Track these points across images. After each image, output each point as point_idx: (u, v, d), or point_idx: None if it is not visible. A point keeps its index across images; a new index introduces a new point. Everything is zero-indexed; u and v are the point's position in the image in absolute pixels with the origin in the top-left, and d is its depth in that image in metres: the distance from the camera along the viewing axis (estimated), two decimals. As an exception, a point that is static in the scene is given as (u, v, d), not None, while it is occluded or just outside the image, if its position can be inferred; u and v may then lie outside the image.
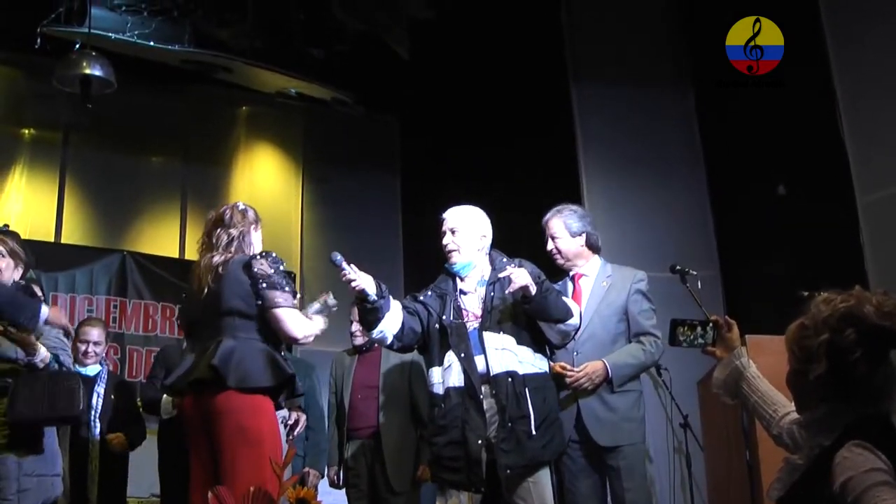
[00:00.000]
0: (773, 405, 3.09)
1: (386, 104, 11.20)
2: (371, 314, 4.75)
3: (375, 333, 4.85)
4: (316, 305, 4.84)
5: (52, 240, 9.80)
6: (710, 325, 3.33)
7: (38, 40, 8.37)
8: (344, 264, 4.62)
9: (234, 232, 4.62)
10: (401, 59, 9.26)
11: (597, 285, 5.30)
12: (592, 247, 5.40)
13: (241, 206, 4.77)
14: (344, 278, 4.65)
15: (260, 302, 4.45)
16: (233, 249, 4.58)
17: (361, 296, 4.70)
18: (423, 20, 9.03)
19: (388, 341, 4.92)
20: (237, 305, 4.46)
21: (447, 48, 9.26)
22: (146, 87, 9.91)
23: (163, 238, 10.54)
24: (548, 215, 5.43)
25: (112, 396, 6.65)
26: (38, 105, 9.76)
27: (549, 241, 5.37)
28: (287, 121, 11.40)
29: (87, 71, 8.03)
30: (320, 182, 11.35)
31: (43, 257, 9.06)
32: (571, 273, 5.39)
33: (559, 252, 5.35)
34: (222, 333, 4.43)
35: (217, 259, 4.55)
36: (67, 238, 9.91)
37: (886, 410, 2.50)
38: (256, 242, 4.73)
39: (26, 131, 10.00)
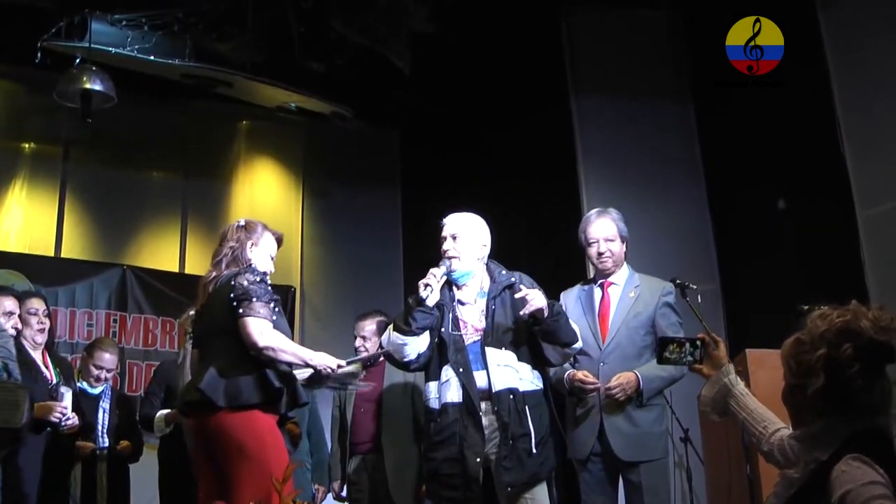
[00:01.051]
0: (763, 422, 3.08)
1: (386, 118, 11.20)
2: (420, 317, 4.74)
3: (409, 347, 4.80)
4: (352, 367, 4.86)
5: (52, 254, 9.78)
6: (698, 342, 3.32)
7: (39, 55, 8.37)
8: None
9: (224, 249, 4.63)
10: (401, 72, 9.25)
11: (624, 295, 5.22)
12: (626, 254, 5.35)
13: (242, 223, 4.77)
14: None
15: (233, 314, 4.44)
16: (223, 266, 4.58)
17: (419, 300, 4.71)
18: (423, 33, 9.02)
19: (412, 357, 4.86)
20: (222, 323, 4.47)
21: (447, 61, 9.26)
22: (146, 101, 9.90)
23: (163, 252, 10.52)
24: (593, 216, 5.33)
25: (117, 412, 6.73)
26: (38, 119, 9.76)
27: (601, 243, 5.22)
28: (287, 135, 11.40)
29: (88, 85, 8.05)
30: (320, 196, 11.35)
31: (43, 272, 9.09)
32: (599, 281, 5.32)
33: (612, 256, 5.23)
34: (213, 353, 4.46)
35: (205, 278, 4.58)
36: (67, 252, 9.89)
37: (882, 425, 2.50)
38: (257, 256, 4.71)
39: (26, 145, 9.99)
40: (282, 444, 4.50)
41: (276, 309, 4.59)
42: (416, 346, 4.81)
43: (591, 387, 4.98)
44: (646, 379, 4.97)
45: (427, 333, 4.83)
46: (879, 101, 6.54)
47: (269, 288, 4.58)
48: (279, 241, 4.87)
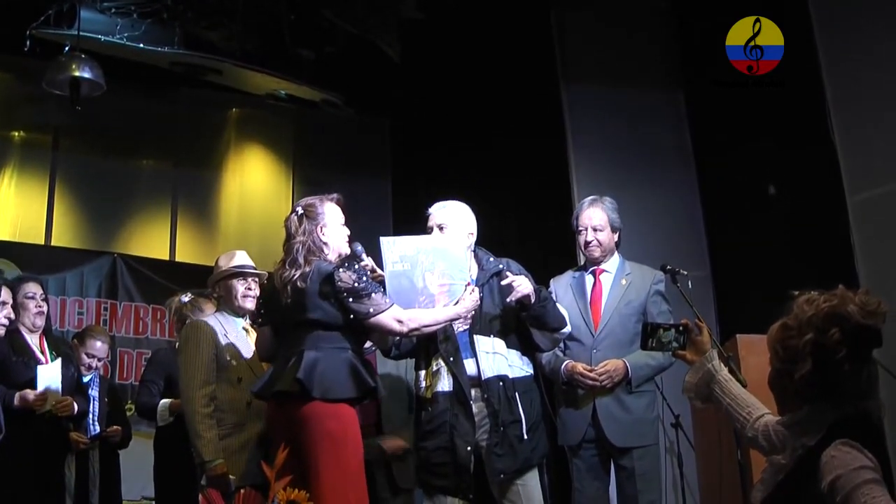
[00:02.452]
0: (747, 407, 3.09)
1: (376, 106, 11.18)
2: None
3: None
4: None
5: (43, 242, 9.78)
6: (681, 328, 3.33)
7: (28, 43, 8.34)
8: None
9: (295, 246, 4.60)
10: (391, 60, 9.25)
11: (616, 282, 5.26)
12: (618, 243, 5.37)
13: (300, 210, 4.69)
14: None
15: (352, 316, 4.43)
16: (302, 261, 4.55)
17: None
18: (413, 22, 9.01)
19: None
20: (319, 317, 4.45)
21: (438, 50, 9.25)
22: (136, 89, 9.88)
23: (153, 240, 10.52)
24: (586, 204, 5.36)
25: (106, 400, 6.74)
26: (27, 108, 9.75)
27: (588, 231, 5.26)
28: (277, 123, 11.39)
29: (77, 73, 8.01)
30: (311, 184, 11.30)
31: (33, 260, 9.08)
32: (590, 268, 5.35)
33: (599, 245, 5.26)
34: (304, 344, 4.44)
35: (287, 275, 4.52)
36: (57, 240, 9.88)
37: (869, 409, 2.51)
38: (332, 238, 4.66)
39: (16, 134, 9.97)
40: (360, 440, 4.51)
41: None
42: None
43: (591, 382, 5.01)
44: (634, 366, 5.01)
45: None
46: (869, 86, 6.54)
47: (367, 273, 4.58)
48: (339, 203, 4.81)
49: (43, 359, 5.96)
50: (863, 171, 6.46)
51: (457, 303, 4.60)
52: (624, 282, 5.24)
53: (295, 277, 4.50)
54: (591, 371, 5.02)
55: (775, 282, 5.91)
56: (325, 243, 4.63)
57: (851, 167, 6.51)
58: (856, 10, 6.67)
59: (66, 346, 6.36)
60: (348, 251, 4.70)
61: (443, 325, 4.61)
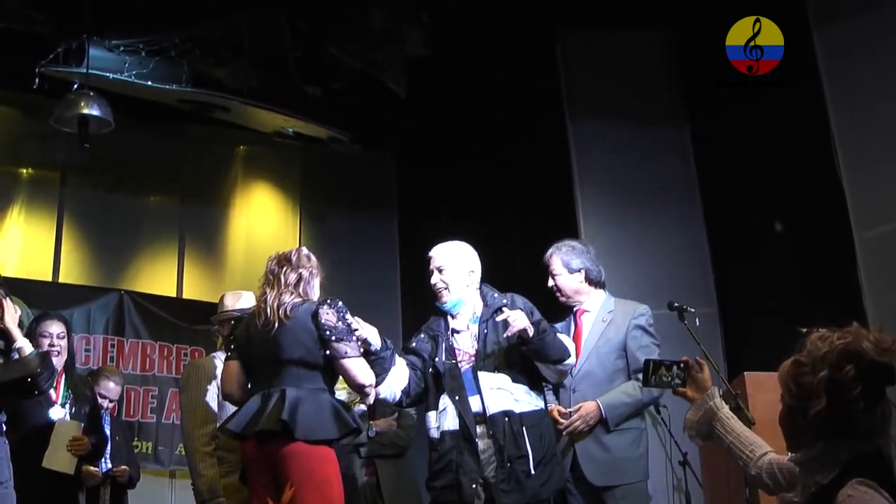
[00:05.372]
0: (750, 445, 3.08)
1: (383, 142, 11.20)
2: (376, 366, 4.69)
3: (383, 391, 4.78)
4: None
5: (50, 279, 9.77)
6: (682, 365, 3.31)
7: (37, 80, 8.38)
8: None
9: (303, 273, 4.66)
10: (397, 96, 9.29)
11: (597, 321, 5.30)
12: (593, 282, 5.40)
13: (306, 252, 4.79)
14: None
15: (328, 352, 4.48)
16: (300, 291, 4.60)
17: (365, 346, 4.67)
18: (419, 58, 9.06)
19: (397, 398, 4.87)
20: (302, 355, 4.49)
21: (444, 86, 9.29)
22: (144, 126, 9.92)
23: (160, 277, 10.52)
24: (548, 252, 5.44)
25: (116, 438, 6.75)
26: (35, 144, 9.77)
27: (550, 278, 5.38)
28: (284, 159, 11.42)
29: (85, 111, 8.04)
30: (317, 220, 11.36)
31: (40, 296, 9.04)
32: (574, 309, 5.39)
33: (559, 289, 5.37)
34: (285, 381, 4.47)
35: (286, 299, 4.57)
36: (65, 277, 9.88)
37: (881, 448, 2.49)
38: (317, 288, 4.76)
39: (24, 171, 10.00)
40: (340, 477, 4.52)
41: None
42: (395, 383, 4.80)
43: (562, 427, 5.05)
44: (608, 406, 5.03)
45: (402, 369, 4.83)
46: (875, 124, 6.56)
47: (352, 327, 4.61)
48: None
49: (55, 396, 5.93)
50: (870, 208, 6.47)
51: None
52: (604, 320, 5.29)
53: (287, 304, 4.53)
54: (561, 414, 5.07)
55: (783, 319, 5.91)
56: (314, 287, 4.74)
57: (858, 204, 6.52)
58: (860, 41, 6.70)
59: (85, 387, 6.33)
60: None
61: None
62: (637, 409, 5.15)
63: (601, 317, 5.31)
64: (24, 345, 4.95)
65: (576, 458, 5.04)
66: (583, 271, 5.36)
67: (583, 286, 5.37)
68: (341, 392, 4.96)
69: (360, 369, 4.49)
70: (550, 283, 5.39)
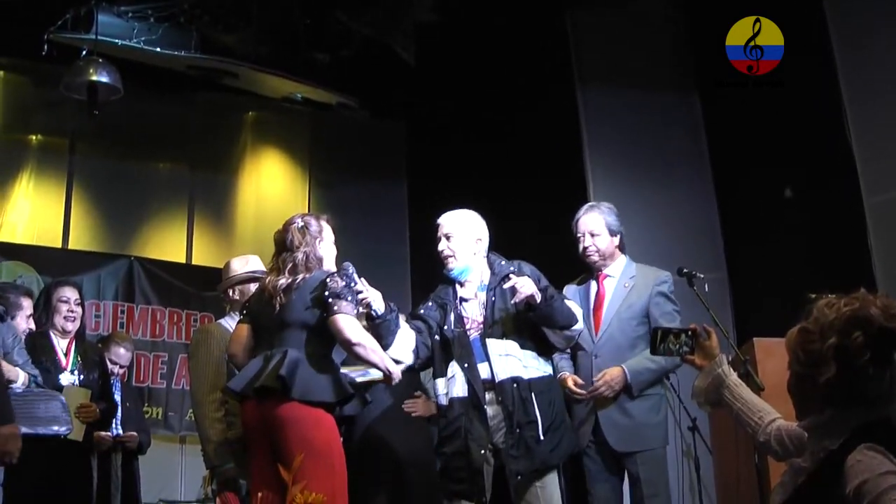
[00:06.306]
0: (759, 412, 3.09)
1: (392, 109, 11.19)
2: (381, 329, 4.70)
3: (394, 353, 4.76)
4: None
5: (60, 245, 9.81)
6: (689, 333, 3.31)
7: (45, 47, 8.38)
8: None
9: (298, 255, 4.64)
10: (406, 63, 9.26)
11: (619, 287, 5.23)
12: (622, 247, 5.34)
13: (300, 223, 4.74)
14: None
15: (325, 314, 4.47)
16: (299, 273, 4.60)
17: (367, 310, 4.68)
18: (428, 24, 9.02)
19: (411, 360, 4.88)
20: (305, 318, 4.50)
21: (453, 52, 9.26)
22: (153, 93, 9.91)
23: (170, 243, 10.55)
24: (582, 211, 5.34)
25: (127, 404, 6.79)
26: (45, 112, 9.77)
27: (586, 237, 5.25)
28: (293, 126, 11.41)
29: (94, 77, 8.04)
30: (326, 187, 11.35)
31: (50, 263, 9.11)
32: (596, 273, 5.33)
33: (597, 250, 5.24)
34: (288, 344, 4.48)
35: (283, 282, 4.58)
36: (75, 244, 9.91)
37: (889, 414, 2.49)
38: (326, 254, 4.75)
39: (33, 138, 10.01)
40: (341, 446, 4.52)
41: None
42: (404, 346, 4.81)
43: (579, 396, 5.04)
44: (633, 372, 4.99)
45: (408, 332, 4.85)
46: (885, 89, 6.53)
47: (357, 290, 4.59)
48: (329, 222, 4.89)
49: (64, 362, 5.96)
50: (880, 173, 6.46)
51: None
52: (627, 285, 5.22)
53: (286, 285, 4.55)
54: (577, 386, 5.04)
55: (792, 284, 5.90)
56: (321, 256, 4.71)
57: (868, 169, 6.51)
58: (871, 9, 6.66)
59: (94, 353, 6.35)
60: (335, 269, 4.73)
61: (378, 364, 4.58)
62: (660, 375, 5.11)
63: (623, 282, 5.23)
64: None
65: (598, 425, 5.02)
66: (619, 235, 5.30)
67: (616, 250, 5.30)
68: (374, 372, 4.92)
69: (350, 326, 4.43)
70: (587, 242, 5.25)
